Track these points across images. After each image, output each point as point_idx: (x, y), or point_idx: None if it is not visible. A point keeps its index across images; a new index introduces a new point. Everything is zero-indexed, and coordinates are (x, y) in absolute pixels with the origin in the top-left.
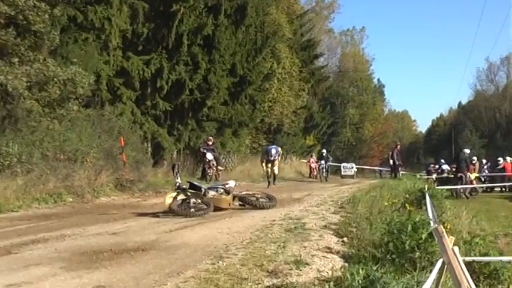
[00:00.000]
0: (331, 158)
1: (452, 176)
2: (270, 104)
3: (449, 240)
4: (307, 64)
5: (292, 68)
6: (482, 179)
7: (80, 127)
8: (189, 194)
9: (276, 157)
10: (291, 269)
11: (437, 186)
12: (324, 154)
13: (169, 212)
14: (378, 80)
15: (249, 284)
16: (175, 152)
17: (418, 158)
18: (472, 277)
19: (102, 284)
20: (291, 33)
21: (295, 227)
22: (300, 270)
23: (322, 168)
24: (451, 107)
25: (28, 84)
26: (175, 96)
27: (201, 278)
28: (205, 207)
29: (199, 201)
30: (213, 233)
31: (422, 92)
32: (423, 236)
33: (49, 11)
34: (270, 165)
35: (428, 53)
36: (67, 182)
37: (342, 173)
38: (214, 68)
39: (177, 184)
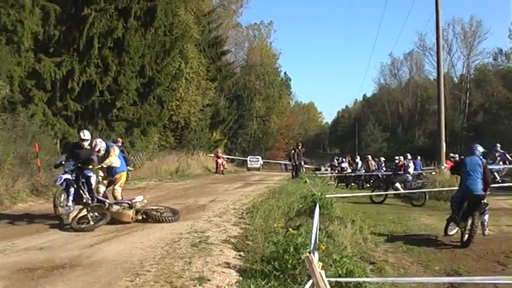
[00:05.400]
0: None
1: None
2: (178, 103)
3: (317, 265)
4: (214, 61)
5: (200, 67)
6: (380, 176)
7: None
8: (89, 209)
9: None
10: (195, 286)
11: (338, 183)
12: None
13: (72, 230)
14: (285, 73)
15: None
16: None
17: (324, 148)
18: None
19: None
20: (199, 34)
21: (199, 241)
22: (202, 287)
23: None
24: (356, 99)
25: None
26: (86, 97)
27: None
28: (101, 218)
29: (96, 213)
30: (128, 248)
31: (328, 84)
32: (303, 256)
33: None
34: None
35: (334, 45)
36: None
37: (249, 166)
38: (124, 70)
39: (84, 200)
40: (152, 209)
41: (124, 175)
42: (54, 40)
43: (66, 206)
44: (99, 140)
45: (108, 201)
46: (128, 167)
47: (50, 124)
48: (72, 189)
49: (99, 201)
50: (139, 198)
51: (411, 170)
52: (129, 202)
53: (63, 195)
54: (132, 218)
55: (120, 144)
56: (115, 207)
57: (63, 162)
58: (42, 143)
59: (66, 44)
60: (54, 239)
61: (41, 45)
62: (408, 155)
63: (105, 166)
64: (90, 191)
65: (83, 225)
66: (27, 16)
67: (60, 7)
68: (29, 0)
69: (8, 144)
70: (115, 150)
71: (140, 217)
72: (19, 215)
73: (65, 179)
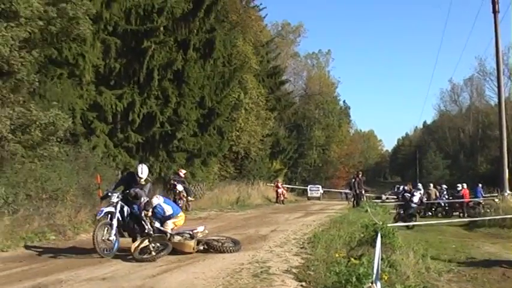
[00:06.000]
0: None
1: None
2: (238, 133)
3: None
4: (273, 91)
5: (259, 98)
6: (443, 204)
7: (59, 167)
8: (151, 239)
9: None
10: None
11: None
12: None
13: (134, 260)
14: (344, 102)
15: None
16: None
17: (385, 176)
18: None
19: None
20: (258, 64)
21: (261, 272)
22: None
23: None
24: (416, 127)
25: (11, 127)
26: (147, 128)
27: None
28: (163, 248)
29: (158, 244)
30: (190, 278)
31: (388, 111)
32: (365, 287)
33: (30, 57)
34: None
35: (393, 73)
36: (50, 221)
37: (309, 195)
38: (184, 101)
39: (146, 231)
40: (213, 239)
41: (181, 218)
42: (114, 73)
43: (108, 240)
44: (143, 199)
45: (169, 231)
46: (189, 197)
47: (112, 155)
48: (115, 222)
49: (160, 231)
50: (200, 228)
51: (415, 199)
52: (191, 232)
53: (105, 229)
54: (193, 249)
55: (183, 175)
56: (176, 238)
57: (109, 194)
58: (104, 174)
59: (127, 77)
60: (116, 269)
61: (102, 78)
62: (420, 184)
63: (149, 214)
64: (139, 224)
65: (145, 256)
66: (88, 50)
67: (121, 40)
68: (90, 34)
69: (70, 175)
70: (155, 199)
71: (202, 247)
72: (82, 246)
73: (106, 212)
